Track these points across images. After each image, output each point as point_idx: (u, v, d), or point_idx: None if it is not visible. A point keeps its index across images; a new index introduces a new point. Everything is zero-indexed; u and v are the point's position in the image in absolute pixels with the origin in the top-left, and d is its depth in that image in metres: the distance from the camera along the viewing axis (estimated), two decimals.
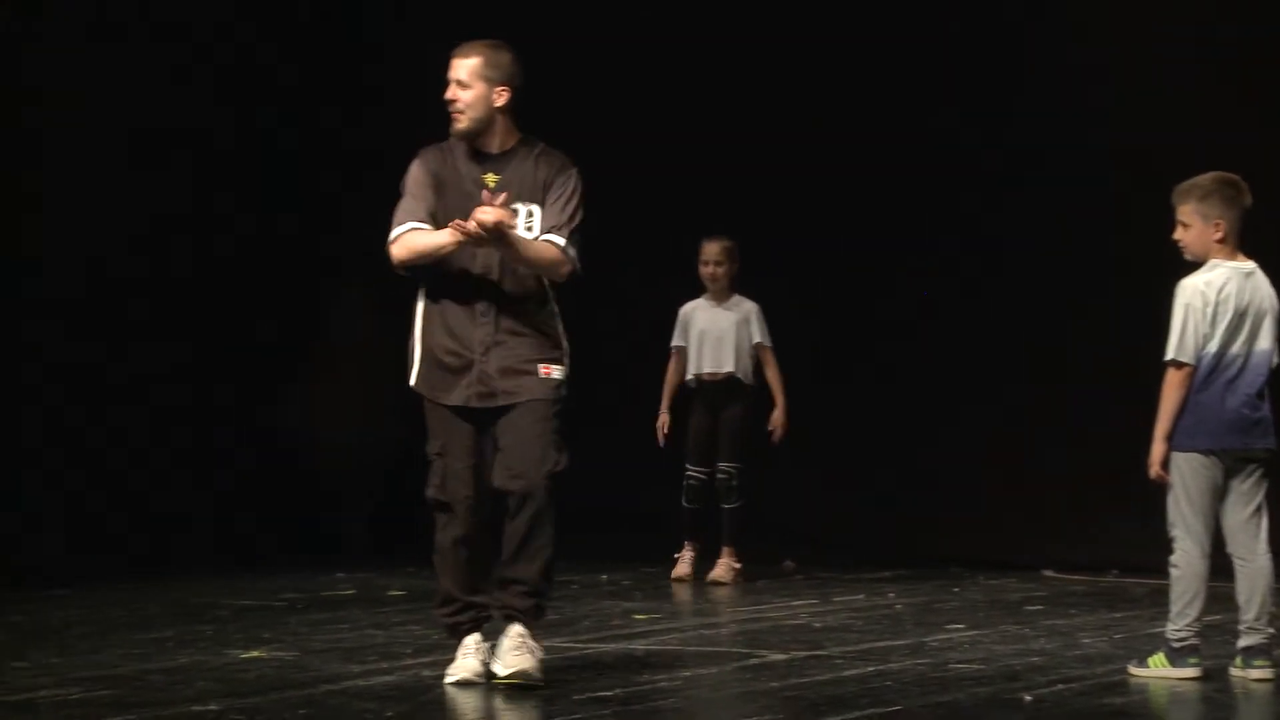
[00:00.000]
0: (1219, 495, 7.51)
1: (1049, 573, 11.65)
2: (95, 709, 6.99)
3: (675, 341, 11.47)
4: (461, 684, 7.33)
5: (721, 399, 11.36)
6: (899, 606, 10.15)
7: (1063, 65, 12.06)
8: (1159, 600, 10.14)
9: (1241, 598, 7.54)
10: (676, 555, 11.47)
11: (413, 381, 7.47)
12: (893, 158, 12.44)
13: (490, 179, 7.29)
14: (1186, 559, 7.49)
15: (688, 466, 11.40)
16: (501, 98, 7.32)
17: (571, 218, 7.34)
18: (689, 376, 11.44)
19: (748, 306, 11.40)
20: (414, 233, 7.28)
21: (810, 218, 12.62)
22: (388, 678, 7.68)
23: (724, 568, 11.37)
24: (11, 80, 12.20)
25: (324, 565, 11.95)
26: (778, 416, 11.41)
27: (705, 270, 11.47)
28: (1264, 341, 7.54)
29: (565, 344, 7.41)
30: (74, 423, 12.39)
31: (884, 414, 12.45)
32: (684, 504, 11.43)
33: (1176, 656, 7.51)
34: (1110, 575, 11.47)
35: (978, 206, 12.34)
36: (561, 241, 7.30)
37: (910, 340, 12.45)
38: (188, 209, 12.99)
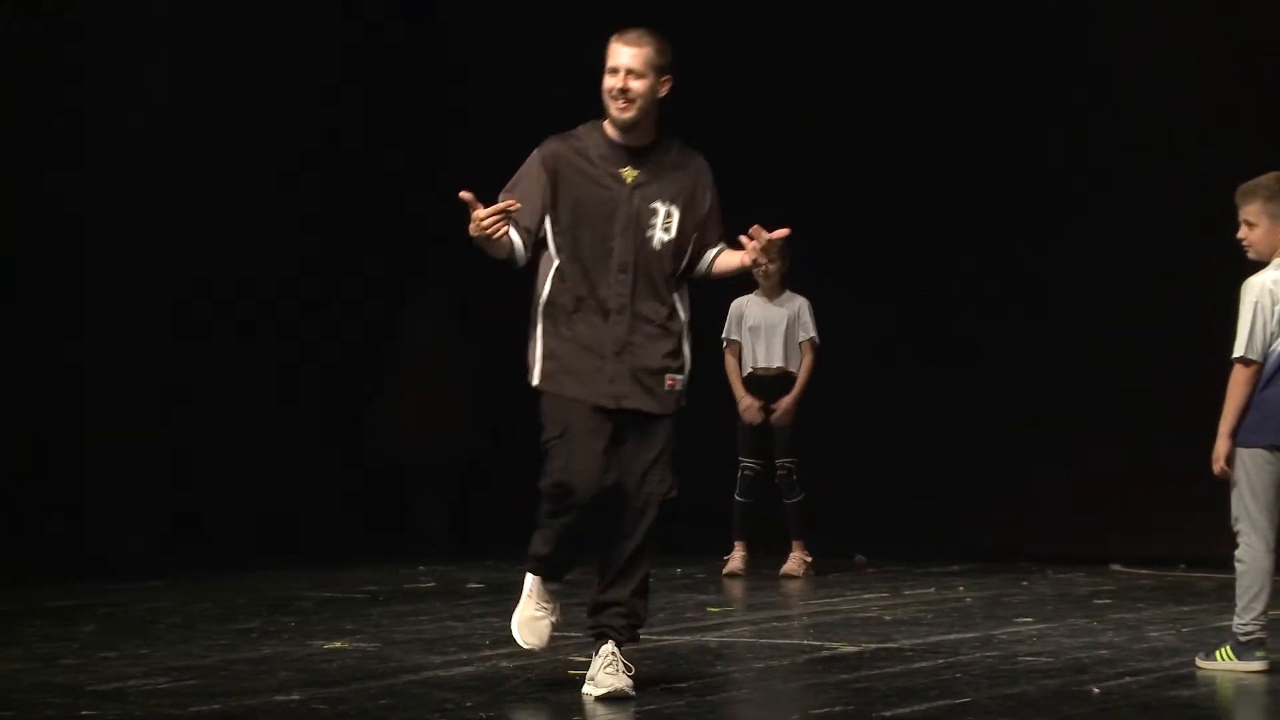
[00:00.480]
0: (1276, 491, 7.44)
1: (1117, 567, 11.58)
2: (182, 698, 7.00)
3: (730, 335, 11.37)
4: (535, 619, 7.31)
5: (774, 393, 11.29)
6: (969, 600, 10.10)
7: (1112, 68, 11.98)
8: (1226, 594, 10.07)
9: None
10: (726, 556, 11.39)
11: (536, 380, 7.02)
12: (956, 156, 12.36)
13: (628, 174, 6.95)
14: (1251, 554, 7.43)
15: (741, 459, 11.33)
16: (665, 88, 6.97)
17: (722, 230, 7.17)
18: (744, 370, 11.38)
19: (799, 302, 11.33)
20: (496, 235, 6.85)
21: (878, 219, 12.56)
22: (467, 669, 7.67)
23: (795, 561, 11.33)
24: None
25: (405, 558, 11.96)
26: (785, 402, 11.25)
27: (758, 267, 11.38)
28: None
29: (687, 352, 7.11)
30: (164, 421, 12.45)
31: (955, 410, 12.39)
32: (737, 496, 11.34)
33: (1243, 650, 7.45)
34: (1178, 570, 11.39)
35: (1049, 209, 12.27)
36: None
37: (981, 339, 12.40)
38: (276, 219, 13.06)
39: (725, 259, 7.14)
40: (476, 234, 6.79)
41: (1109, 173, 12.15)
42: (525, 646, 7.24)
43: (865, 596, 10.24)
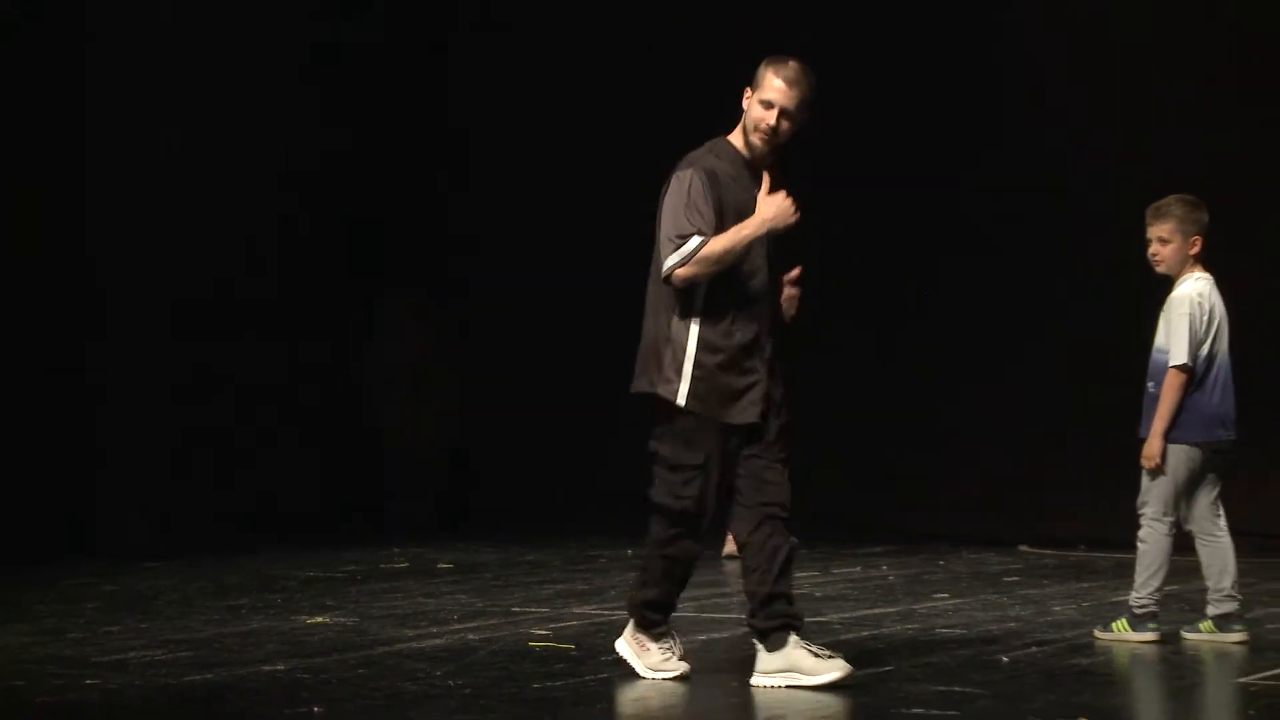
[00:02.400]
0: (1196, 482, 7.44)
1: (1024, 548, 11.58)
2: (178, 668, 6.95)
3: None
4: (678, 679, 6.65)
5: None
6: (891, 578, 10.09)
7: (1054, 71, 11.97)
8: (1122, 572, 10.10)
9: (1213, 571, 7.48)
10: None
11: (683, 401, 6.49)
12: (890, 155, 12.32)
13: (758, 194, 6.53)
14: (1155, 536, 7.43)
15: None
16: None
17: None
18: None
19: None
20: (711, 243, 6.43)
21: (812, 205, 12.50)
22: (437, 641, 7.63)
23: (734, 544, 11.27)
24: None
25: (382, 541, 11.91)
26: None
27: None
28: (1226, 343, 7.49)
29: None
30: (164, 414, 12.38)
31: (879, 404, 12.37)
32: None
33: (1138, 622, 7.46)
34: (1078, 550, 11.39)
35: (973, 207, 12.23)
36: None
37: (904, 330, 12.36)
38: (276, 230, 13.02)
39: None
40: (785, 218, 6.47)
41: (1011, 185, 12.09)
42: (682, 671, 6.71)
43: (798, 575, 10.13)
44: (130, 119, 12.21)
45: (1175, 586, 9.17)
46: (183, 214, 12.43)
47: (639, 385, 6.62)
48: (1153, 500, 7.45)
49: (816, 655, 6.47)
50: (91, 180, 12.09)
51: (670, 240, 6.45)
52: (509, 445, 13.71)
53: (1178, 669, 7.01)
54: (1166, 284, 7.58)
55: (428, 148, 13.85)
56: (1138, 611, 7.46)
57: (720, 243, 6.42)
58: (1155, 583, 7.44)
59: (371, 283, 13.72)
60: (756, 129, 6.52)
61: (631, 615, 6.76)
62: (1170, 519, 7.43)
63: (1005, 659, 7.09)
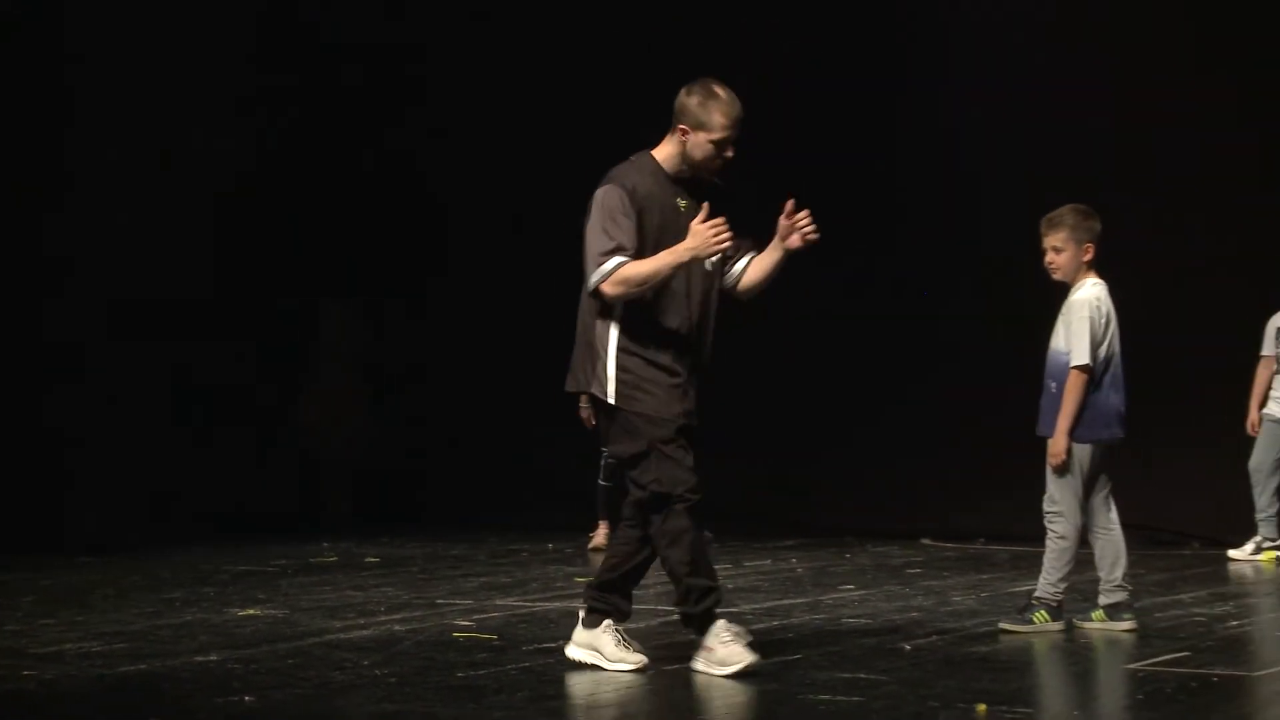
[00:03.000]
0: (1094, 478, 7.52)
1: (926, 541, 11.66)
2: (113, 659, 6.92)
3: None
4: (748, 670, 6.44)
5: None
6: (800, 570, 10.13)
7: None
8: (1019, 564, 10.22)
9: (1105, 562, 7.56)
10: (592, 533, 11.37)
11: (613, 399, 6.51)
12: (801, 149, 12.35)
13: (682, 203, 6.56)
14: (1073, 530, 7.49)
15: (603, 449, 11.22)
16: None
17: None
18: None
19: None
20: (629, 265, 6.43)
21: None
22: (364, 632, 7.62)
23: (603, 537, 11.29)
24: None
25: (311, 536, 11.87)
26: None
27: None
28: (1119, 345, 7.57)
29: None
30: (102, 414, 12.30)
31: (787, 402, 12.42)
32: (600, 481, 11.28)
33: (1056, 612, 7.51)
34: (978, 543, 11.48)
35: (879, 211, 12.27)
36: None
37: (808, 333, 12.37)
38: (211, 234, 12.97)
39: (757, 265, 6.79)
40: (710, 249, 6.43)
41: (916, 188, 12.15)
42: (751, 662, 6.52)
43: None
44: (80, 124, 12.16)
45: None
46: (125, 216, 12.36)
47: (571, 384, 6.66)
48: (1061, 497, 7.50)
49: (625, 644, 6.62)
50: (47, 182, 12.02)
51: (594, 258, 6.46)
52: (433, 444, 13.70)
53: (1071, 655, 7.09)
54: (1059, 288, 7.66)
55: (358, 153, 13.82)
56: (1054, 603, 7.51)
57: (643, 268, 6.44)
58: (1067, 575, 7.50)
59: (304, 285, 13.65)
60: (708, 168, 6.55)
61: (695, 625, 6.61)
62: (1079, 514, 7.50)
63: (908, 647, 7.15)
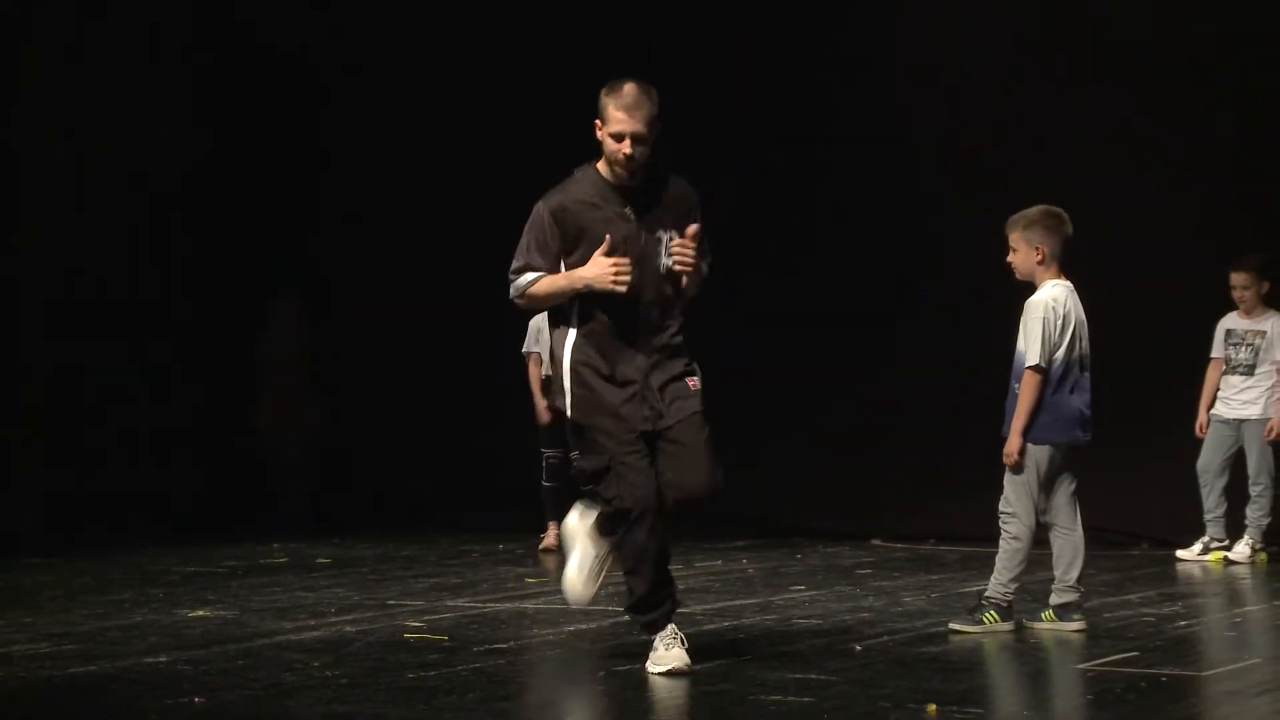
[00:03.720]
0: (1054, 479, 7.54)
1: (877, 542, 11.69)
2: (62, 660, 6.88)
3: (529, 348, 10.99)
4: (672, 674, 6.43)
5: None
6: (751, 571, 10.14)
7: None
8: (970, 565, 10.25)
9: (1062, 562, 7.59)
10: (542, 534, 11.32)
11: (570, 412, 6.53)
12: (761, 149, 12.36)
13: (631, 211, 6.49)
14: (1026, 532, 7.49)
15: (543, 450, 11.20)
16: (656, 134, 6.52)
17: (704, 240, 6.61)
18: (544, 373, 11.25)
19: None
20: (536, 284, 6.46)
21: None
22: (315, 633, 7.59)
23: (553, 538, 11.26)
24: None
25: (261, 537, 11.83)
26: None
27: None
28: (1086, 347, 7.59)
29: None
30: (50, 411, 12.23)
31: (737, 403, 12.39)
32: (544, 483, 11.23)
33: (1006, 613, 7.52)
34: (928, 544, 11.50)
35: (821, 208, 12.27)
36: (703, 267, 6.66)
37: (766, 329, 12.37)
38: (150, 234, 12.90)
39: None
40: (605, 285, 6.37)
41: (876, 183, 12.15)
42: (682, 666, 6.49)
43: None
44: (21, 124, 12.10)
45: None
46: (63, 214, 12.29)
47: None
48: (1016, 499, 7.50)
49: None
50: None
51: (511, 271, 6.53)
52: (384, 443, 13.66)
53: (1021, 656, 7.11)
54: (1024, 288, 7.69)
55: (299, 147, 13.78)
56: (1004, 604, 7.50)
57: (544, 286, 6.48)
58: (1020, 576, 7.50)
59: (250, 284, 13.60)
60: (615, 161, 6.48)
61: (647, 630, 6.62)
62: (1033, 515, 7.50)
63: (859, 647, 7.16)
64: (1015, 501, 7.52)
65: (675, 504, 6.58)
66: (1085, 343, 7.60)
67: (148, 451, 12.79)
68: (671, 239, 6.52)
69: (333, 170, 13.85)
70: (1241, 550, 10.48)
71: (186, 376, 13.13)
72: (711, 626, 7.80)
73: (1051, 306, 7.50)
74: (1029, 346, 7.47)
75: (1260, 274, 10.61)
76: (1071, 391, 7.53)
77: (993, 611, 7.54)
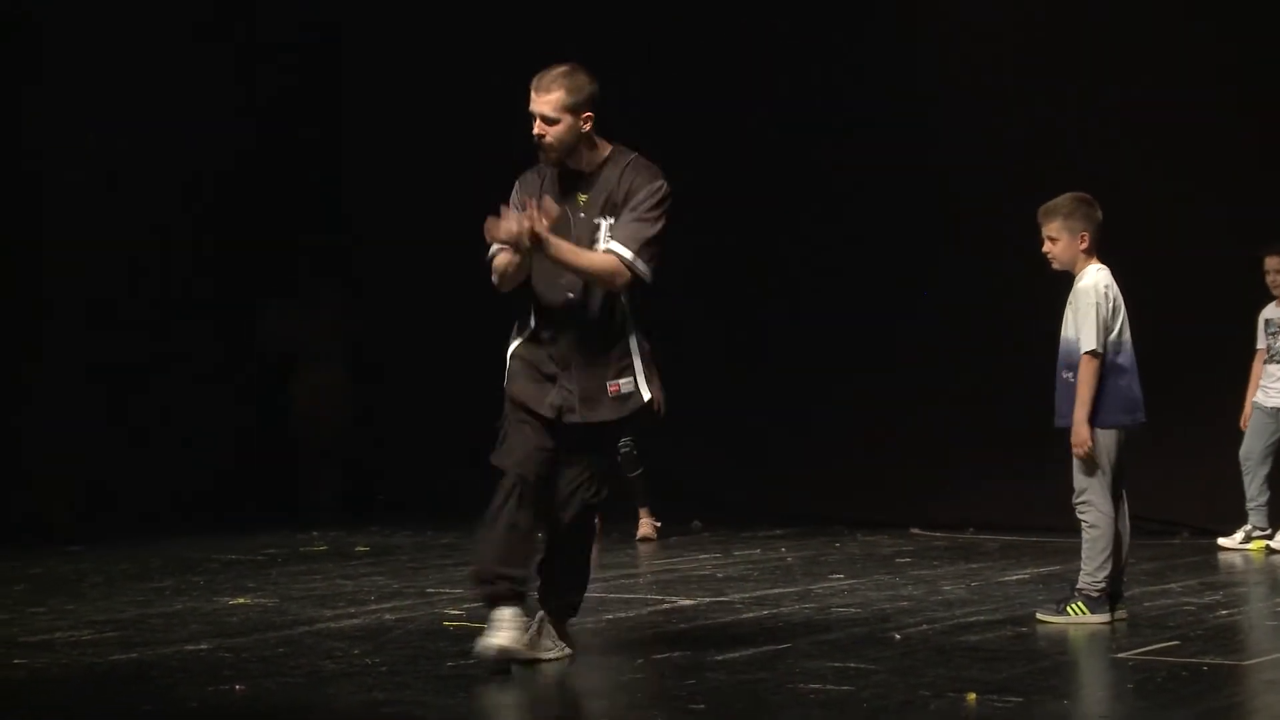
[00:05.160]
0: (1121, 464, 7.51)
1: (916, 530, 11.67)
2: (104, 648, 6.93)
3: None
4: (500, 655, 6.33)
5: None
6: (790, 559, 10.15)
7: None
8: (1009, 553, 10.24)
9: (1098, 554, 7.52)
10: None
11: (507, 383, 6.56)
12: (770, 137, 12.33)
13: (581, 198, 6.43)
14: (1103, 519, 7.42)
15: None
16: (587, 123, 6.39)
17: (641, 229, 6.35)
18: None
19: None
20: (495, 257, 6.42)
21: (702, 218, 12.52)
22: (355, 621, 7.63)
23: (647, 526, 11.34)
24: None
25: (300, 525, 11.87)
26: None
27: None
28: (1129, 330, 7.57)
29: (637, 356, 6.49)
30: (96, 406, 12.29)
31: (779, 393, 12.42)
32: None
33: (1095, 604, 7.43)
34: (967, 532, 11.49)
35: (848, 196, 12.25)
36: (623, 251, 6.33)
37: (798, 327, 12.37)
38: (187, 223, 12.96)
39: (578, 256, 6.40)
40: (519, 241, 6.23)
41: (893, 168, 12.12)
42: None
43: (700, 557, 10.27)
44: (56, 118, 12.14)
45: (1056, 567, 9.31)
46: (100, 205, 12.35)
47: None
48: (1091, 486, 7.43)
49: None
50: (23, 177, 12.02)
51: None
52: (422, 429, 13.68)
53: (1060, 644, 7.10)
54: (1057, 276, 7.66)
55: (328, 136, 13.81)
56: (1094, 594, 7.43)
57: (497, 260, 6.41)
58: (1109, 565, 7.42)
59: (284, 268, 13.63)
60: (536, 141, 6.45)
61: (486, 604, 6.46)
62: (1109, 501, 7.44)
63: (898, 636, 7.16)
64: (1089, 490, 7.44)
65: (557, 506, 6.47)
66: (1128, 327, 7.57)
67: (184, 440, 12.82)
68: (607, 227, 6.40)
69: (360, 154, 13.86)
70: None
71: (220, 365, 13.15)
72: (750, 615, 7.81)
73: (1103, 292, 7.47)
74: (1083, 333, 7.41)
75: None
76: (1127, 373, 7.50)
77: (1080, 603, 7.44)
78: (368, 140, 13.84)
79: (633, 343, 6.52)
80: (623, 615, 7.90)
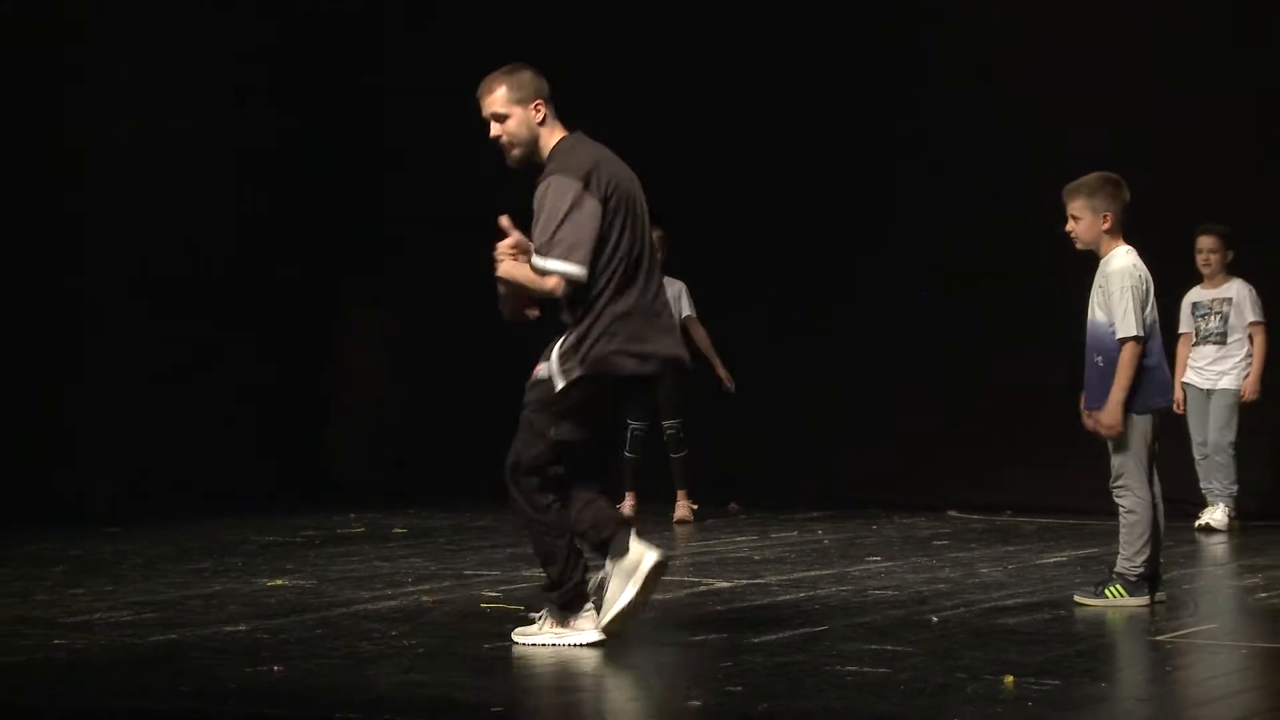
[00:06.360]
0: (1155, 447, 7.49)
1: (953, 513, 11.66)
2: (143, 629, 6.96)
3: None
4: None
5: None
6: (826, 541, 10.15)
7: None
8: (1046, 536, 10.23)
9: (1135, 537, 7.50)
10: (619, 505, 11.38)
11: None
12: (813, 141, 12.31)
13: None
14: (1141, 504, 7.38)
15: (629, 421, 11.26)
16: (538, 111, 6.46)
17: (544, 234, 6.31)
18: None
19: (678, 285, 11.32)
20: None
21: (740, 206, 12.51)
22: (392, 603, 7.65)
23: (685, 508, 11.35)
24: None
25: (337, 508, 11.90)
26: (724, 373, 11.37)
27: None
28: (1156, 311, 7.54)
29: (566, 337, 6.45)
30: (131, 389, 12.34)
31: (815, 376, 12.40)
32: (625, 454, 11.30)
33: (1134, 588, 7.40)
34: (1004, 515, 11.47)
35: (890, 180, 12.23)
36: (537, 262, 6.34)
37: (834, 308, 12.35)
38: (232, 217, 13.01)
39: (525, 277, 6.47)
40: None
41: (935, 155, 12.10)
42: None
43: (738, 539, 10.28)
44: (99, 108, 12.19)
45: (1094, 549, 9.30)
46: (150, 198, 12.39)
47: None
48: (1129, 471, 7.38)
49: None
50: (66, 163, 12.07)
51: None
52: (462, 412, 13.70)
53: (1098, 627, 7.09)
54: (1084, 257, 7.60)
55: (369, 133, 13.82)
56: (1133, 578, 7.40)
57: None
58: (1148, 549, 7.38)
59: (325, 260, 13.66)
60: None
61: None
62: (1146, 486, 7.40)
63: (935, 619, 7.16)
64: (1127, 474, 7.39)
65: None
66: (1155, 307, 7.53)
67: (225, 425, 12.86)
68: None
69: (408, 150, 13.88)
70: (1221, 519, 10.45)
71: (263, 351, 13.19)
72: (787, 597, 7.81)
73: (1136, 274, 7.40)
74: (1120, 318, 7.32)
75: (1227, 241, 10.61)
76: (1159, 355, 7.46)
77: (1119, 585, 7.40)
78: (408, 132, 13.81)
79: (566, 336, 6.46)
80: (660, 597, 7.90)
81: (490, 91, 6.47)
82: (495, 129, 6.48)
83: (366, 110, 13.75)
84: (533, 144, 6.49)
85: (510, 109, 6.44)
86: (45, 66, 11.87)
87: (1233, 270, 10.73)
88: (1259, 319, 10.65)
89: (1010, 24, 11.99)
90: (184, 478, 12.43)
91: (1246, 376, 10.58)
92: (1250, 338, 10.64)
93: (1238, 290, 10.64)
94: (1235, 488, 10.55)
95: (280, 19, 13.18)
